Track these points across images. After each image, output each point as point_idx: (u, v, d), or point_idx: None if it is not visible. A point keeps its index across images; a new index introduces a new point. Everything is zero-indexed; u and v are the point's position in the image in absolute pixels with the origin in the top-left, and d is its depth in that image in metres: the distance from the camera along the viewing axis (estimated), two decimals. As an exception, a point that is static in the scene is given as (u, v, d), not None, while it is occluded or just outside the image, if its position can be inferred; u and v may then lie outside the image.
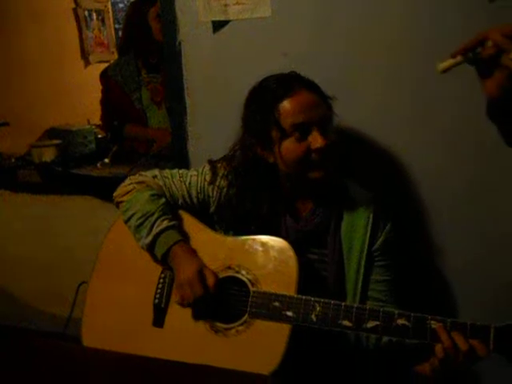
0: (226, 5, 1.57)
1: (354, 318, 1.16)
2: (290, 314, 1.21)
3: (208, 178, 1.42)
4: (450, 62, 0.99)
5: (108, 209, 1.78)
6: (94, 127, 2.56)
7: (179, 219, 1.40)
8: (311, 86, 1.30)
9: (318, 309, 1.19)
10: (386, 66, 1.49)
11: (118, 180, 1.55)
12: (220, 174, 1.42)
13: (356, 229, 1.34)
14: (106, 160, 2.25)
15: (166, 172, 1.47)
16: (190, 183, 1.43)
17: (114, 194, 1.47)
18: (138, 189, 1.42)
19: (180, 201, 1.43)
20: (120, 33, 3.93)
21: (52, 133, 2.54)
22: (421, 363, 1.16)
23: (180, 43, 1.66)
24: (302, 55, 1.53)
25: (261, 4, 1.54)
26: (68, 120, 2.72)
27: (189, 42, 1.65)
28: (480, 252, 1.51)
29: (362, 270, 1.33)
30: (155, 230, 1.34)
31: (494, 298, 1.46)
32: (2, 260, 2.34)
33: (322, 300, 1.19)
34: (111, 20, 3.96)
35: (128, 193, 1.43)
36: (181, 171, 1.48)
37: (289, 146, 1.27)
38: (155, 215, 1.36)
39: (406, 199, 1.55)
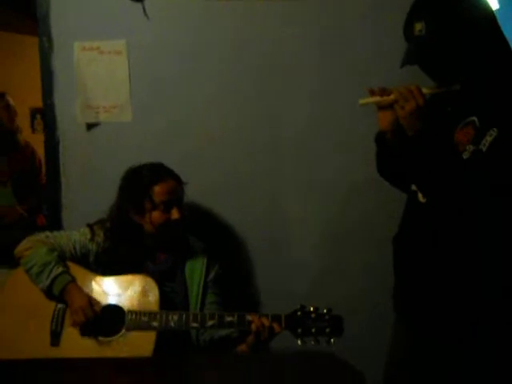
0: (97, 112, 2.18)
1: (200, 320, 1.74)
2: (155, 324, 1.74)
3: (88, 236, 1.93)
4: (368, 100, 1.52)
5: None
6: None
7: (68, 266, 1.88)
8: (173, 175, 1.93)
9: (175, 318, 1.75)
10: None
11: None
12: (97, 233, 1.94)
13: (195, 268, 1.95)
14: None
15: (56, 233, 1.97)
16: (74, 241, 1.93)
17: (15, 251, 1.90)
18: (36, 245, 1.88)
19: (67, 254, 1.91)
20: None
21: None
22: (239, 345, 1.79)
23: (59, 137, 2.19)
24: (154, 149, 2.16)
25: (123, 112, 2.18)
26: None
27: (67, 137, 2.20)
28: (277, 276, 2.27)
29: (200, 296, 1.92)
30: (53, 274, 1.81)
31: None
32: None
33: (178, 312, 1.76)
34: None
35: (28, 249, 1.88)
36: (67, 232, 1.98)
37: (156, 215, 1.87)
38: (52, 264, 1.83)
39: (229, 249, 2.25)
